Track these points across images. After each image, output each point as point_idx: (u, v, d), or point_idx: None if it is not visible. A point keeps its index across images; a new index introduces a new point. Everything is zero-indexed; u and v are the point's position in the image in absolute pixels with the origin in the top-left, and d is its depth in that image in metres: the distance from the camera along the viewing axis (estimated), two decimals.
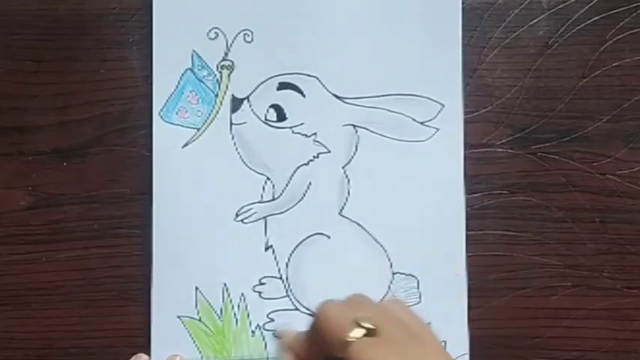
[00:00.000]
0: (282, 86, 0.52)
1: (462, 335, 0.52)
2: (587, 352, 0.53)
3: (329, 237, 0.52)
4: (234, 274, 0.51)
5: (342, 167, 0.52)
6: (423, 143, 0.52)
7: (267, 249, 0.52)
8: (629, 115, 0.53)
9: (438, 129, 0.52)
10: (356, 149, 0.52)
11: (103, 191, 0.52)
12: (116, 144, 0.52)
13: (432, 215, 0.52)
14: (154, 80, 0.51)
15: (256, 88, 0.52)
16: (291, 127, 0.52)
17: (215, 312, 0.51)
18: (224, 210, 0.51)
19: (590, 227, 0.53)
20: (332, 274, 0.52)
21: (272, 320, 0.51)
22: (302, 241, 0.52)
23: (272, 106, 0.52)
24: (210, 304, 0.51)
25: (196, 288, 0.51)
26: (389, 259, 0.52)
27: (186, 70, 0.52)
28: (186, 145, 0.52)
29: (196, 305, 0.51)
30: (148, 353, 0.50)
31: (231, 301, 0.51)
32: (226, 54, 0.52)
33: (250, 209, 0.52)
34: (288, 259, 0.52)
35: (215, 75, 0.52)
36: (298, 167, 0.52)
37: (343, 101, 0.52)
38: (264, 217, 0.52)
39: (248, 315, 0.51)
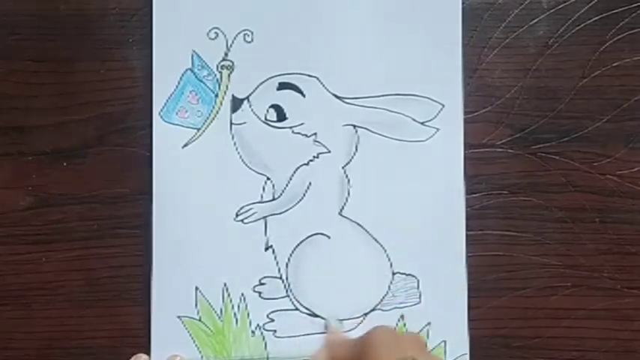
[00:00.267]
0: (282, 86, 0.52)
1: (462, 335, 0.52)
2: (587, 352, 0.53)
3: (329, 237, 0.52)
4: (234, 274, 0.51)
5: (342, 167, 0.52)
6: (423, 143, 0.52)
7: (267, 249, 0.52)
8: (629, 115, 0.53)
9: (438, 129, 0.52)
10: (356, 149, 0.52)
11: (103, 191, 0.52)
12: (116, 144, 0.52)
13: (431, 215, 0.52)
14: (154, 80, 0.51)
15: (256, 88, 0.52)
16: (291, 127, 0.52)
17: (215, 312, 0.51)
18: (224, 210, 0.51)
19: (590, 227, 0.53)
20: (332, 274, 0.52)
21: (272, 320, 0.51)
22: (302, 241, 0.52)
23: (272, 106, 0.52)
24: (210, 304, 0.51)
25: (196, 288, 0.51)
26: (389, 259, 0.52)
27: (187, 70, 0.52)
28: (186, 145, 0.52)
29: (196, 305, 0.51)
30: (148, 353, 0.50)
31: (231, 301, 0.51)
32: (226, 54, 0.52)
33: (250, 209, 0.52)
34: (288, 259, 0.52)
35: (215, 75, 0.52)
36: (298, 167, 0.52)
37: (343, 101, 0.52)
38: (264, 217, 0.52)
39: (248, 315, 0.51)
